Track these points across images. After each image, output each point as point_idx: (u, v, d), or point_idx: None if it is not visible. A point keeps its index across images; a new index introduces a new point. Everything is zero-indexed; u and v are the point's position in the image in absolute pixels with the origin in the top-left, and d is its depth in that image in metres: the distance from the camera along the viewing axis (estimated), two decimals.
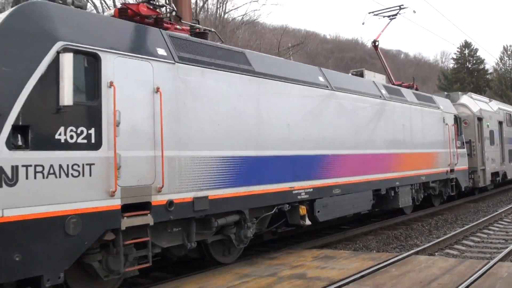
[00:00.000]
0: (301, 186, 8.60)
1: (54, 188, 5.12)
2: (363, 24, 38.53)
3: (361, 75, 12.80)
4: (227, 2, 35.90)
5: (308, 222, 8.79)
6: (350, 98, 10.42)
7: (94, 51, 5.66)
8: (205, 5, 32.72)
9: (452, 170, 15.14)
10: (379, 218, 13.60)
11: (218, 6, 33.37)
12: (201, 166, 6.80)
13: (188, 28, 8.04)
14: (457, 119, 16.14)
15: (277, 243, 10.27)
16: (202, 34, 7.90)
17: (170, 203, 6.28)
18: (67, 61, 5.24)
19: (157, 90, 6.28)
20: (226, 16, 33.73)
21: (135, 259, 6.02)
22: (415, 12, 19.45)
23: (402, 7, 16.13)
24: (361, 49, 76.45)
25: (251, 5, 62.61)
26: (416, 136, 13.14)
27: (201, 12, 31.30)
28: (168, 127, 6.36)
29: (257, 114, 7.86)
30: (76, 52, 5.44)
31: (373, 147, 11.06)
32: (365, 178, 10.56)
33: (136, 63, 6.13)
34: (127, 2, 9.60)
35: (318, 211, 9.07)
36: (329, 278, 6.47)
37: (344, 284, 6.20)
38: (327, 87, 9.76)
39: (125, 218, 5.72)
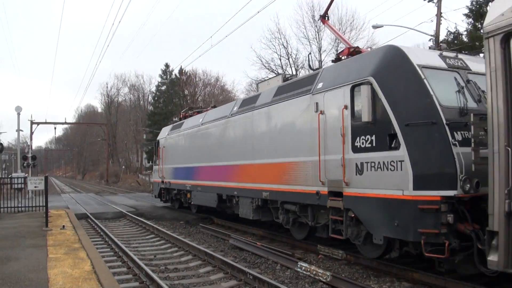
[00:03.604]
0: (186, 182, 19.33)
1: None
2: None
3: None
4: None
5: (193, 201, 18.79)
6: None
7: None
8: None
9: (335, 193, 9.08)
10: None
11: None
12: None
13: None
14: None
15: None
16: None
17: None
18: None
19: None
20: None
21: None
22: None
23: None
24: None
25: None
26: (260, 143, 12.59)
27: None
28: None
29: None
30: None
31: (218, 160, 15.76)
32: (211, 183, 16.43)
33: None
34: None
35: (192, 197, 18.67)
36: None
37: None
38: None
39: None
